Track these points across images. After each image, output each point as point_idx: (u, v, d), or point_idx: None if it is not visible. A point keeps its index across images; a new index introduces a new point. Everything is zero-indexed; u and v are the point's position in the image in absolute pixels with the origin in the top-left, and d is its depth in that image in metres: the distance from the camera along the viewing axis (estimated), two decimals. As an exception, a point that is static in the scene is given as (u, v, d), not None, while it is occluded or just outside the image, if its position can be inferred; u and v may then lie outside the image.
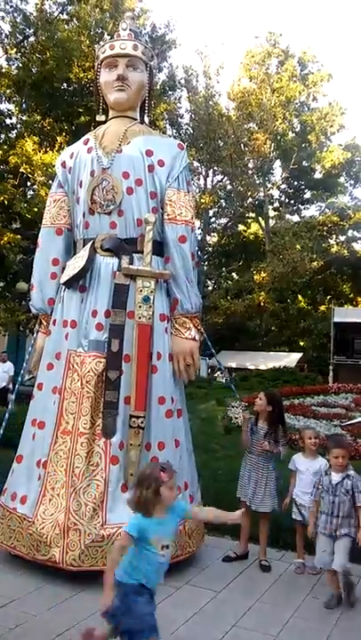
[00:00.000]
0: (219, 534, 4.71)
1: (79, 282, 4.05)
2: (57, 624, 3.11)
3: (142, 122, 4.49)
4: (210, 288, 30.56)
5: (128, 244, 4.06)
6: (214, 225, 31.90)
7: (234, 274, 32.24)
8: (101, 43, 4.40)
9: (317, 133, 29.07)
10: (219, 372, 28.76)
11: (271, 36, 28.83)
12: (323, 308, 30.30)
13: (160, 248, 4.16)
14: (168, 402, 4.01)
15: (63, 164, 4.41)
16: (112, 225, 4.09)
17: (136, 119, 4.41)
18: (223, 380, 23.40)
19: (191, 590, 3.64)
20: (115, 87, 4.25)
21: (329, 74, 29.03)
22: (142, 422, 3.84)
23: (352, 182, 32.92)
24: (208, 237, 30.83)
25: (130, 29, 4.31)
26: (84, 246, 4.12)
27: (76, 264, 4.06)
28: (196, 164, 27.63)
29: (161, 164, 4.14)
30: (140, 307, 3.94)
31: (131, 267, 3.98)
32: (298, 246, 25.81)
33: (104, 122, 4.44)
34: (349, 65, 57.67)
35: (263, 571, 4.02)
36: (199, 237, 25.54)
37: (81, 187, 4.20)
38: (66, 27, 15.69)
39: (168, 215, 4.10)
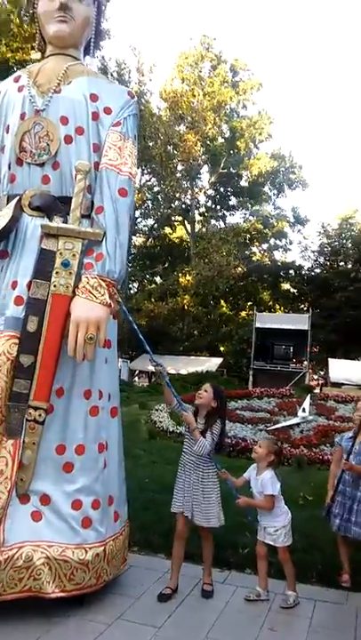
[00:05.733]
0: (151, 552, 4.07)
1: (0, 245, 3.28)
2: None
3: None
4: (133, 290, 29.96)
5: (63, 202, 3.31)
6: (140, 226, 31.33)
7: (158, 277, 31.83)
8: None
9: (246, 140, 29.39)
10: (136, 378, 28.13)
11: (205, 39, 28.85)
12: (243, 314, 30.60)
13: (92, 209, 3.43)
14: (95, 396, 3.25)
15: None
16: (44, 179, 3.34)
17: (79, 60, 3.70)
18: (144, 385, 22.84)
19: (126, 627, 2.97)
20: (56, 18, 3.50)
21: (259, 82, 29.55)
22: (40, 415, 3.06)
23: (275, 192, 33.59)
24: (133, 238, 30.20)
25: None
26: (7, 203, 3.35)
27: (-4, 224, 3.27)
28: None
29: (107, 111, 3.44)
30: (57, 273, 3.14)
31: (50, 224, 3.21)
32: (223, 251, 25.85)
33: (39, 60, 3.70)
34: (277, 76, 59.40)
35: (206, 597, 3.42)
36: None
37: (8, 132, 3.42)
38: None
39: (110, 160, 3.33)
